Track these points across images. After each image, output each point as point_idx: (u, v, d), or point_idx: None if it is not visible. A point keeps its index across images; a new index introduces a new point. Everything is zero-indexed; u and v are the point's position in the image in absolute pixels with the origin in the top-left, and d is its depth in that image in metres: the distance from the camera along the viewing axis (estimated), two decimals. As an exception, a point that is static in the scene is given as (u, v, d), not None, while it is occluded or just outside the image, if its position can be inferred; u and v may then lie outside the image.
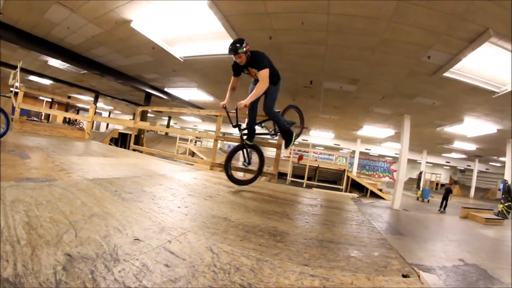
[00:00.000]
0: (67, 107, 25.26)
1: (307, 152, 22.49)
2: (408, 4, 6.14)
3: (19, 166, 2.70)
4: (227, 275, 1.28)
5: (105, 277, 1.08)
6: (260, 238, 1.87)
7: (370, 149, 35.46)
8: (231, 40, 8.35)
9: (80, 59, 11.90)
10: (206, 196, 3.05)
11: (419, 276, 1.68)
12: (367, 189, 19.26)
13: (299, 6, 6.73)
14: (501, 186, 16.53)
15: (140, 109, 9.73)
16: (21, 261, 1.06)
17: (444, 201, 16.55)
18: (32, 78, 17.52)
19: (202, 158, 20.32)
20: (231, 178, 3.96)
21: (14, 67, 9.12)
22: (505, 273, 6.12)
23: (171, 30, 8.79)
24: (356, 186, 19.98)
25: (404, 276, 1.63)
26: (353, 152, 31.76)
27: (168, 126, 32.25)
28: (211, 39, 8.98)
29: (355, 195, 16.50)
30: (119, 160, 4.86)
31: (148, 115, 26.95)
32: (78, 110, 25.82)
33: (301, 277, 1.39)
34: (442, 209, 16.14)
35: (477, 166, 33.17)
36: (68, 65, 13.55)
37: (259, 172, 4.28)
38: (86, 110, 15.22)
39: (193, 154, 22.97)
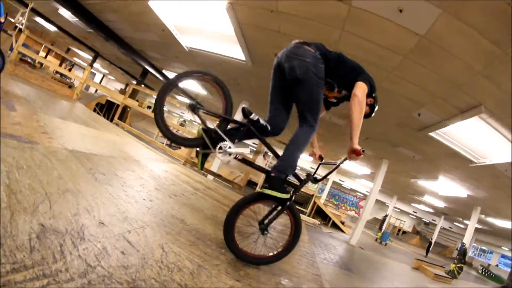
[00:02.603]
0: (63, 59, 24.75)
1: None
2: (412, 62, 6.46)
3: (4, 119, 2.74)
4: (169, 272, 1.48)
5: (71, 252, 1.26)
6: (207, 247, 2.06)
7: (343, 181, 35.84)
8: (238, 46, 8.60)
9: (90, 17, 11.71)
10: (171, 193, 3.18)
11: None
12: (330, 218, 19.43)
13: (310, 35, 6.85)
14: (459, 247, 17.10)
15: (132, 86, 9.75)
16: (2, 223, 1.21)
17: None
18: (39, 20, 17.21)
19: (180, 147, 20.35)
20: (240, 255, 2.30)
21: (25, 5, 8.94)
22: None
23: (185, 19, 8.85)
24: (320, 213, 20.18)
25: None
26: (327, 179, 32.09)
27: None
28: (220, 39, 9.11)
29: (316, 221, 16.75)
30: (100, 134, 4.91)
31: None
32: (73, 65, 25.39)
33: None
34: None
35: (441, 223, 33.88)
36: (77, 19, 13.31)
37: (288, 249, 2.52)
38: (82, 67, 15.04)
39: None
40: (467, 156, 9.98)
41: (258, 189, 18.37)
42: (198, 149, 2.42)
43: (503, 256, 36.19)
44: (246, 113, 2.38)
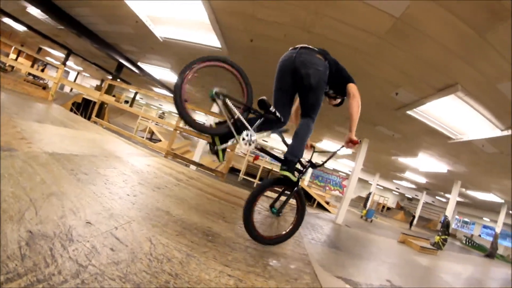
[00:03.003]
0: (34, 60, 24.08)
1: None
2: (389, 44, 6.57)
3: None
4: (159, 264, 1.52)
5: (62, 255, 1.29)
6: (194, 236, 2.10)
7: (334, 156, 36.20)
8: (213, 33, 8.54)
9: (61, 13, 11.34)
10: (154, 186, 3.19)
11: None
12: (315, 199, 19.67)
13: (285, 19, 6.97)
14: (442, 219, 17.67)
15: (108, 81, 9.60)
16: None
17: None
18: (6, 20, 16.63)
19: (160, 140, 20.17)
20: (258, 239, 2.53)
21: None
22: None
23: (158, 9, 8.73)
24: (304, 195, 20.45)
25: None
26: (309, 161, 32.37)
27: (133, 99, 31.45)
28: (194, 27, 9.02)
29: (305, 204, 16.91)
30: (79, 133, 4.86)
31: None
32: (45, 65, 24.77)
33: (219, 275, 1.65)
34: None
35: (424, 197, 34.76)
36: (47, 17, 12.88)
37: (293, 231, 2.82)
38: (55, 67, 14.73)
39: (152, 133, 22.72)
40: (445, 133, 10.29)
41: (241, 175, 19.09)
42: (214, 141, 2.51)
43: (485, 227, 37.52)
44: (266, 105, 2.49)
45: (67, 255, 1.31)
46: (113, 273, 1.32)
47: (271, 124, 2.65)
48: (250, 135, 2.49)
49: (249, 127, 2.49)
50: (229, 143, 2.49)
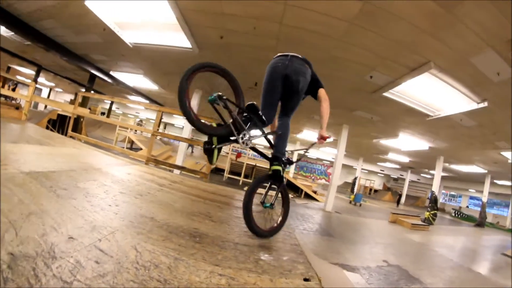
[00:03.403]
0: (4, 79, 23.45)
1: (246, 150, 22.72)
2: (359, 27, 6.59)
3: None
4: (147, 271, 1.49)
5: (45, 273, 1.25)
6: (181, 239, 2.06)
7: (308, 152, 36.56)
8: (182, 34, 8.47)
9: (27, 28, 11.05)
10: (137, 194, 3.14)
11: (320, 280, 1.88)
12: (302, 190, 19.82)
13: (254, 12, 6.93)
14: (429, 195, 18.05)
15: (81, 93, 9.43)
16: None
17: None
18: (-33, 41, 16.18)
19: (141, 148, 19.98)
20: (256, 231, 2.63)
21: None
22: (424, 273, 6.68)
23: (124, 14, 8.58)
24: (291, 187, 20.51)
25: (305, 279, 1.84)
26: (292, 153, 32.63)
27: (109, 110, 31.00)
28: (162, 29, 8.92)
29: (289, 195, 17.03)
30: (56, 150, 4.74)
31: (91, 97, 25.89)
32: (16, 84, 24.15)
33: (210, 276, 1.62)
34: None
35: (409, 176, 35.45)
36: (13, 33, 12.61)
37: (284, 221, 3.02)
38: (26, 85, 14.43)
39: (132, 142, 22.50)
40: (423, 111, 10.49)
41: (226, 174, 19.26)
42: (211, 141, 2.60)
43: (471, 198, 38.42)
44: (256, 108, 2.66)
45: (50, 273, 1.26)
46: (99, 286, 1.29)
47: (255, 125, 2.78)
48: (248, 135, 2.67)
49: (245, 127, 2.64)
50: (226, 143, 2.64)
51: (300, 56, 3.04)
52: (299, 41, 7.75)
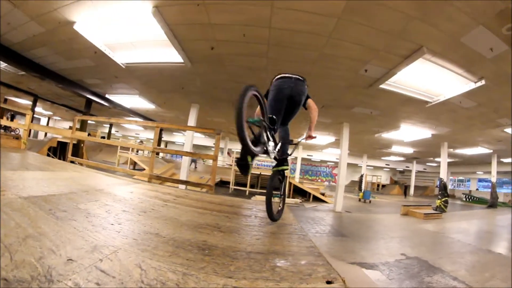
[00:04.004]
0: (2, 111, 23.56)
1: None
2: (348, 22, 6.55)
3: None
4: (153, 290, 1.38)
5: None
6: (189, 252, 1.95)
7: (312, 155, 36.80)
8: (173, 49, 8.46)
9: (19, 58, 11.18)
10: (140, 211, 3.04)
11: (344, 281, 1.73)
12: (310, 194, 19.71)
13: (241, 19, 6.93)
14: (438, 183, 17.88)
15: (78, 118, 9.39)
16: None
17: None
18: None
19: (144, 169, 19.98)
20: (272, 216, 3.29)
21: None
22: (445, 262, 6.55)
23: (114, 35, 8.62)
24: (298, 192, 20.40)
25: (328, 282, 1.69)
26: (295, 158, 32.70)
27: (109, 133, 31.06)
28: (153, 46, 8.95)
29: (297, 200, 16.97)
30: (56, 174, 4.66)
31: (89, 121, 25.92)
32: (13, 115, 24.21)
33: None
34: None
35: (415, 167, 35.30)
36: (6, 64, 12.70)
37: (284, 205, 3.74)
38: (24, 115, 14.46)
39: (135, 164, 22.47)
40: (421, 98, 10.42)
41: (231, 186, 19.52)
42: (246, 159, 3.04)
43: (480, 180, 38.20)
44: (274, 121, 3.08)
45: None
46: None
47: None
48: (275, 148, 3.20)
49: (277, 143, 3.30)
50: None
51: (301, 77, 3.50)
52: (289, 43, 7.74)
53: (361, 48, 7.60)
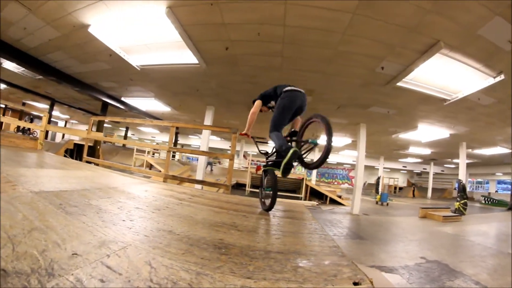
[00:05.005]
0: (21, 114, 24.14)
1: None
2: (362, 17, 6.39)
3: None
4: (163, 290, 1.26)
5: None
6: (204, 251, 1.83)
7: (328, 158, 36.42)
8: (188, 50, 8.42)
9: (36, 63, 11.39)
10: (154, 209, 2.96)
11: (371, 282, 1.63)
12: (327, 196, 19.57)
13: (255, 18, 6.84)
14: (456, 185, 17.51)
15: (93, 118, 9.44)
16: None
17: None
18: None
19: (160, 171, 20.10)
20: (260, 202, 4.19)
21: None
22: (466, 265, 6.42)
23: (129, 38, 8.64)
24: (315, 194, 20.25)
25: (355, 284, 1.58)
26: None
27: (125, 136, 31.41)
28: (168, 48, 8.94)
29: (314, 203, 16.82)
30: (70, 173, 4.65)
31: (105, 125, 26.21)
32: (32, 118, 24.71)
33: None
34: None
35: (432, 169, 34.73)
36: (24, 69, 13.00)
37: (272, 201, 3.79)
38: (41, 118, 14.74)
39: (150, 166, 22.62)
40: (439, 96, 10.14)
41: (247, 188, 19.86)
42: (290, 165, 3.34)
43: (499, 182, 37.33)
44: (295, 133, 3.90)
45: None
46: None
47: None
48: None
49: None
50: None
51: (303, 91, 3.89)
52: (304, 41, 7.63)
53: (377, 44, 7.43)
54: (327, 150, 3.18)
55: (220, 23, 7.21)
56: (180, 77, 11.35)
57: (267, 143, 4.48)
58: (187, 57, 9.16)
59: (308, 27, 6.97)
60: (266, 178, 4.26)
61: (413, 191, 34.15)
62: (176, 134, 27.75)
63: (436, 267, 6.31)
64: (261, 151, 4.51)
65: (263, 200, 4.17)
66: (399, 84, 9.39)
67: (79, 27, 8.25)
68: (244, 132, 4.08)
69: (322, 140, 3.37)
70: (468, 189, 27.65)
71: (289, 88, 3.85)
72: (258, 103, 4.14)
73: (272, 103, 4.14)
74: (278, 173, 3.73)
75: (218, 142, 36.66)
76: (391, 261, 6.62)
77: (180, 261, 1.61)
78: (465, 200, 16.09)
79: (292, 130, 3.93)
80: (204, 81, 11.55)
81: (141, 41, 8.78)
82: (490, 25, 6.16)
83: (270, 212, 3.74)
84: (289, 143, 3.74)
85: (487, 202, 28.67)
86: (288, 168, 3.32)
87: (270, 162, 4.16)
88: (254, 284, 1.46)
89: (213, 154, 8.19)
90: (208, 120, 15.57)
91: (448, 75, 8.69)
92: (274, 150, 4.09)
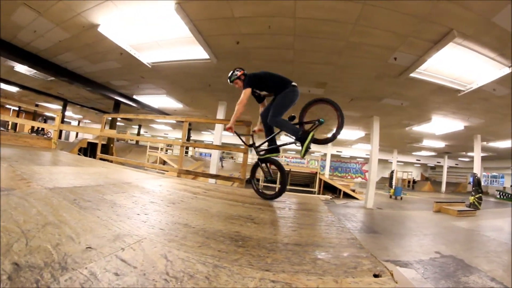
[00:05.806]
0: (34, 115, 24.54)
1: (279, 156, 22.96)
2: (373, 7, 6.27)
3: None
4: (179, 283, 1.22)
5: (50, 286, 1.04)
6: (221, 243, 1.80)
7: (341, 151, 36.33)
8: (198, 46, 8.40)
9: (47, 64, 11.56)
10: (168, 202, 2.94)
11: (392, 274, 1.58)
12: (340, 190, 19.49)
13: (265, 10, 6.77)
14: (471, 179, 17.25)
15: (106, 116, 9.49)
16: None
17: None
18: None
19: (174, 166, 20.26)
20: (259, 193, 4.18)
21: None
22: (482, 261, 6.34)
23: (139, 35, 8.64)
24: (329, 188, 20.22)
25: (375, 276, 1.55)
26: (325, 155, 32.29)
27: (138, 134, 31.68)
28: (178, 44, 8.91)
29: (328, 196, 16.76)
30: (84, 169, 4.66)
31: (118, 123, 26.41)
32: (45, 119, 25.07)
33: (261, 284, 1.33)
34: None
35: (446, 162, 34.24)
36: (35, 71, 13.17)
37: (283, 185, 4.05)
38: (54, 119, 14.96)
39: (164, 162, 22.76)
40: (453, 87, 9.92)
41: (261, 183, 19.42)
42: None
43: (514, 176, 36.58)
44: (293, 118, 3.98)
45: (56, 286, 1.05)
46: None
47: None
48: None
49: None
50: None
51: None
52: (315, 33, 7.52)
53: (389, 34, 7.28)
54: (341, 121, 3.50)
55: (230, 17, 7.16)
56: (191, 73, 11.34)
57: (251, 135, 4.63)
58: (197, 52, 9.13)
59: (318, 18, 6.86)
60: (266, 166, 4.29)
61: (413, 183, 34.20)
62: (189, 130, 27.84)
63: (451, 262, 6.27)
64: (249, 145, 4.79)
65: (260, 190, 4.23)
66: (412, 75, 9.21)
67: (88, 27, 8.31)
68: (228, 126, 4.12)
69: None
70: (482, 183, 27.28)
71: (294, 83, 3.95)
72: (248, 91, 4.03)
73: (264, 92, 4.25)
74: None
75: (231, 138, 36.69)
76: (406, 256, 6.59)
77: (197, 254, 1.57)
78: (480, 195, 15.85)
79: (291, 115, 3.97)
80: (215, 76, 11.49)
81: (151, 38, 8.78)
82: (504, 12, 5.96)
83: (285, 205, 3.70)
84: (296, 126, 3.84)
85: (502, 197, 28.25)
86: (308, 149, 3.55)
87: (263, 152, 4.21)
88: (273, 277, 1.42)
89: (227, 148, 8.15)
90: (220, 116, 15.56)
91: (462, 65, 8.49)
92: (267, 138, 4.20)
